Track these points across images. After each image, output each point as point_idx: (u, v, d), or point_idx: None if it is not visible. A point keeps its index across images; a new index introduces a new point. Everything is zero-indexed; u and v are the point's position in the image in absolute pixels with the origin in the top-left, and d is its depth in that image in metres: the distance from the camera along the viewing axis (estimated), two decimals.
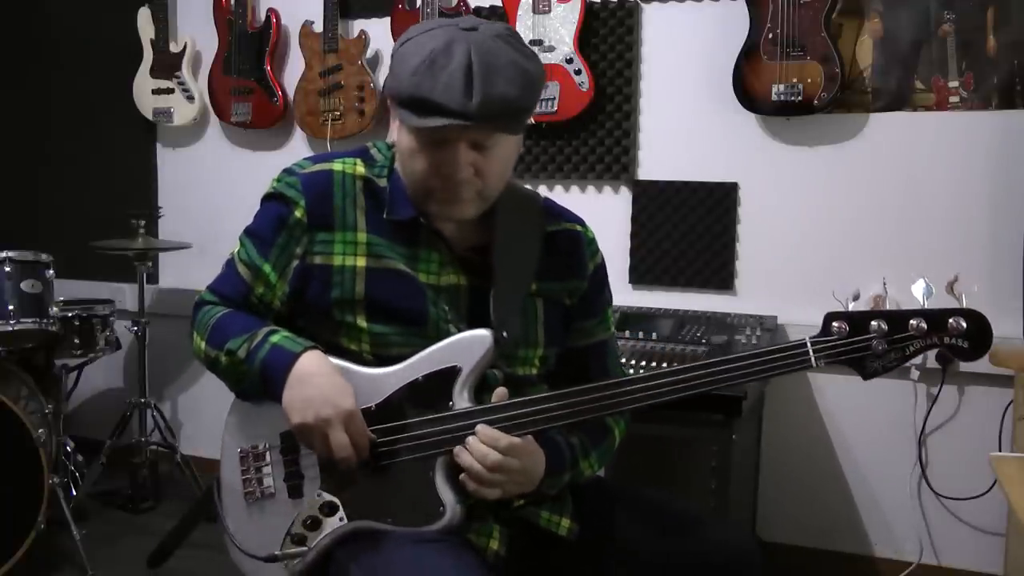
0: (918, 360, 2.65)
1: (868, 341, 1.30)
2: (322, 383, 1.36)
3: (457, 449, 1.35)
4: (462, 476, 1.35)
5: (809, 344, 1.31)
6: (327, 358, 1.40)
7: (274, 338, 1.42)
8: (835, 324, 1.31)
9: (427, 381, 1.40)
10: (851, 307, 1.32)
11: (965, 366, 2.63)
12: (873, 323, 1.30)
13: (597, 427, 1.55)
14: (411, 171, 1.40)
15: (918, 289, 1.30)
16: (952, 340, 1.29)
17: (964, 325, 1.28)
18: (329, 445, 1.36)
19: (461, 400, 1.39)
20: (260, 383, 1.42)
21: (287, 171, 1.49)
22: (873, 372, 1.31)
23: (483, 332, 1.40)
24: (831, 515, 2.86)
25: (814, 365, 1.31)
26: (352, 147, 1.54)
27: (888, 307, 1.32)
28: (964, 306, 1.29)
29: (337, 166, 1.47)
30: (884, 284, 1.34)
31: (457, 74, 1.28)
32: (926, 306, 1.30)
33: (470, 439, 1.34)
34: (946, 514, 2.74)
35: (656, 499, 1.55)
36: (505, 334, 1.40)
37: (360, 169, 1.47)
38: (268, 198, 1.49)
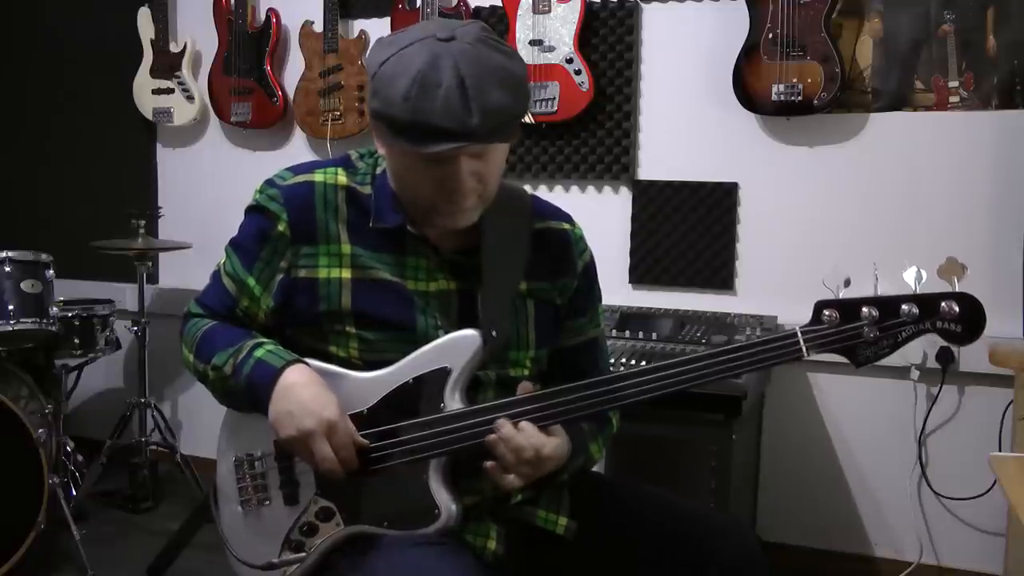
0: (918, 360, 2.66)
1: (859, 329, 1.28)
2: (304, 395, 1.36)
3: (491, 439, 1.33)
4: (488, 464, 1.33)
5: (800, 334, 1.30)
6: (312, 370, 1.40)
7: (258, 352, 1.41)
8: (826, 312, 1.29)
9: (417, 383, 1.39)
10: (842, 294, 1.29)
11: (965, 366, 2.64)
12: (864, 310, 1.27)
13: (598, 415, 1.54)
14: (412, 190, 1.39)
15: (909, 276, 1.27)
16: (945, 324, 1.26)
17: (957, 309, 1.25)
18: (314, 458, 1.36)
19: (452, 401, 1.38)
20: (248, 399, 1.42)
21: (268, 183, 1.47)
22: (865, 360, 1.29)
23: (471, 332, 1.39)
24: (831, 515, 2.86)
25: (805, 355, 1.30)
26: (336, 156, 1.53)
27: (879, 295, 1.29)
28: (956, 289, 1.26)
29: (318, 177, 1.46)
30: (875, 271, 1.31)
31: (452, 93, 1.26)
32: (918, 291, 1.27)
33: (507, 432, 1.32)
34: (946, 514, 2.74)
35: (657, 498, 1.54)
36: (494, 333, 1.40)
37: (342, 179, 1.46)
38: (250, 210, 1.49)
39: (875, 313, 1.27)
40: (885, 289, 1.29)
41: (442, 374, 1.38)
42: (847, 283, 1.30)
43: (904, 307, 1.26)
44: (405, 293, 1.43)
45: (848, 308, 1.28)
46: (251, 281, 1.47)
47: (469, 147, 1.30)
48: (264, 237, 1.45)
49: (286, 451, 1.43)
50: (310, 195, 1.45)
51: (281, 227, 1.44)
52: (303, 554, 1.42)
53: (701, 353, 1.34)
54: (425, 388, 1.39)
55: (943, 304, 1.26)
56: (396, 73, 1.29)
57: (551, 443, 1.36)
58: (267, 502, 1.47)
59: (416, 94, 1.27)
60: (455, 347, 1.39)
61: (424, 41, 1.30)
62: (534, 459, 1.33)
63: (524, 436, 1.33)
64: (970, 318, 1.25)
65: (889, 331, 1.27)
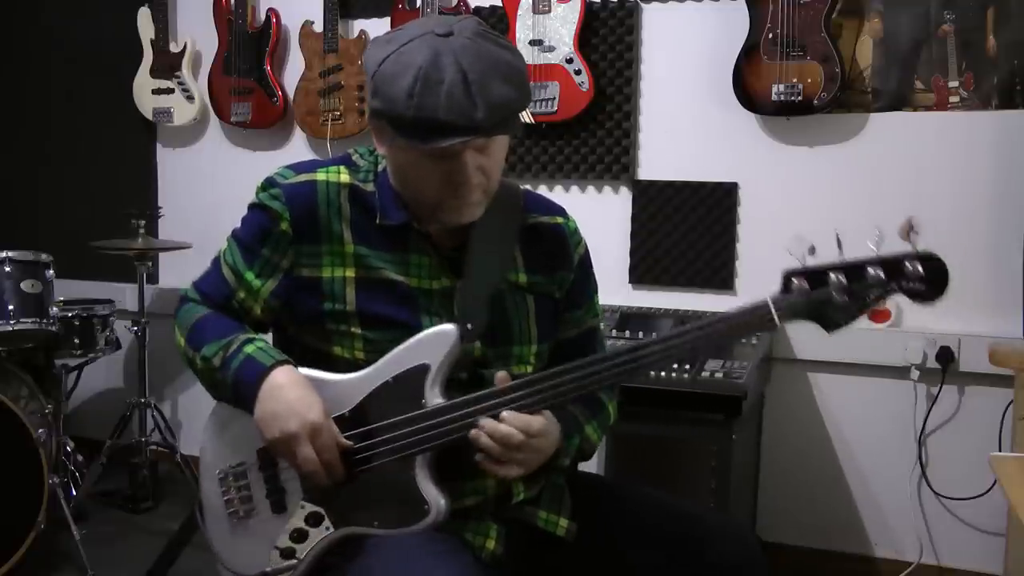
0: (918, 360, 2.66)
1: (828, 295, 1.30)
2: (290, 397, 1.36)
3: (473, 433, 1.33)
4: (479, 457, 1.33)
5: (770, 303, 1.32)
6: (298, 371, 1.40)
7: (248, 348, 1.41)
8: (794, 281, 1.32)
9: (397, 382, 1.39)
10: (808, 262, 1.32)
11: (965, 366, 2.64)
12: (831, 276, 1.30)
13: (590, 400, 1.55)
14: (417, 187, 1.39)
15: (871, 241, 1.30)
16: (910, 284, 1.29)
17: (920, 269, 1.28)
18: (296, 461, 1.36)
19: (433, 397, 1.38)
20: (233, 394, 1.42)
21: (269, 181, 1.47)
22: (836, 324, 1.31)
23: (447, 327, 1.39)
24: (831, 515, 2.86)
25: (777, 324, 1.32)
26: (335, 156, 1.53)
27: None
28: (918, 250, 1.29)
29: (321, 176, 1.46)
30: (838, 238, 1.32)
31: (456, 88, 1.26)
32: (881, 253, 1.30)
33: (487, 423, 1.33)
34: (946, 514, 2.74)
35: (657, 499, 1.54)
36: (470, 326, 1.39)
37: (344, 177, 1.46)
38: (252, 207, 1.48)
39: (842, 278, 1.30)
40: (848, 253, 1.32)
41: (421, 371, 1.38)
42: (812, 250, 1.32)
43: (870, 270, 1.30)
44: (409, 292, 1.44)
45: (816, 275, 1.31)
46: (250, 276, 1.46)
47: (474, 141, 1.30)
48: (266, 235, 1.45)
49: (270, 458, 1.44)
50: (312, 194, 1.44)
51: (283, 226, 1.44)
52: (295, 561, 1.41)
53: (677, 330, 1.36)
54: (405, 386, 1.38)
55: (907, 264, 1.29)
56: (397, 71, 1.29)
57: (537, 420, 1.35)
58: (254, 512, 1.46)
59: (419, 91, 1.27)
60: (432, 343, 1.39)
61: (423, 38, 1.31)
62: (524, 442, 1.33)
63: (507, 424, 1.33)
64: (933, 277, 1.28)
65: (857, 294, 1.30)
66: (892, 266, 1.29)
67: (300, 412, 1.34)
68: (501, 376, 1.38)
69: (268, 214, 1.45)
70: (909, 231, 1.29)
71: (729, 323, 1.34)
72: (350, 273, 1.43)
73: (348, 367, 1.42)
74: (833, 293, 1.30)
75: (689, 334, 1.34)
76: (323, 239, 1.44)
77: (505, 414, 1.33)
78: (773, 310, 1.31)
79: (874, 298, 1.30)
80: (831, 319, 1.31)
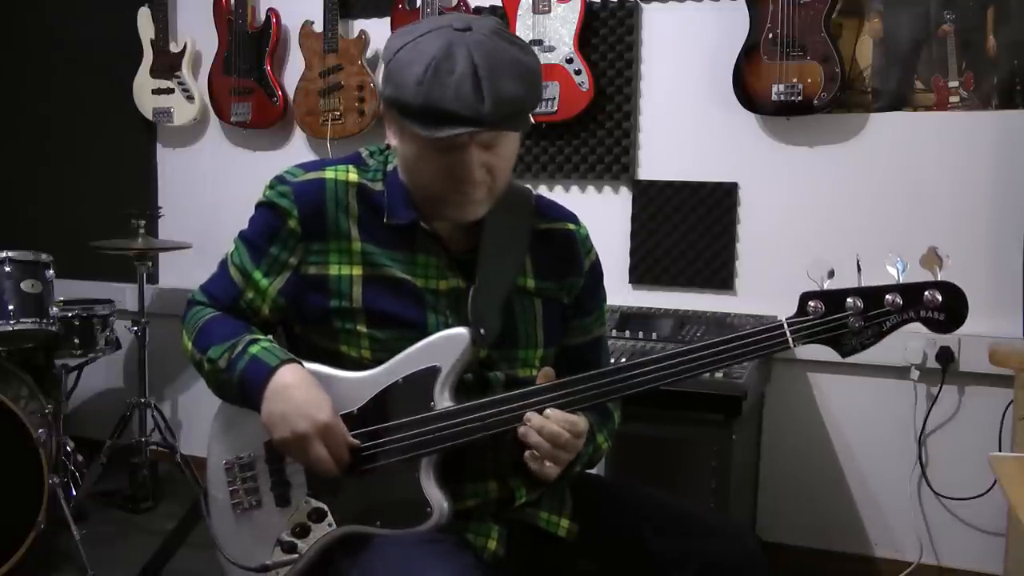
0: (918, 360, 2.66)
1: (844, 319, 1.30)
2: (297, 397, 1.36)
3: (523, 430, 1.34)
4: (527, 454, 1.34)
5: (786, 325, 1.32)
6: (304, 370, 1.40)
7: (253, 348, 1.41)
8: (811, 303, 1.32)
9: (407, 383, 1.39)
10: (826, 285, 1.32)
11: (965, 366, 2.64)
12: (849, 300, 1.30)
13: (599, 408, 1.55)
14: (421, 179, 1.39)
15: (892, 266, 1.29)
16: (928, 313, 1.28)
17: (939, 298, 1.27)
18: (308, 459, 1.36)
19: (442, 400, 1.38)
20: (239, 395, 1.42)
21: (279, 179, 1.48)
22: (851, 350, 1.32)
23: (460, 330, 1.39)
24: (831, 515, 2.86)
25: (791, 345, 1.32)
26: (345, 154, 1.54)
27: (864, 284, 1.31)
28: (938, 279, 1.28)
29: (329, 174, 1.46)
30: (858, 262, 1.32)
31: (465, 80, 1.27)
32: (901, 281, 1.29)
33: (535, 419, 1.33)
34: (946, 514, 2.74)
35: (657, 499, 1.54)
36: (483, 331, 1.40)
37: (353, 176, 1.47)
38: (260, 206, 1.49)
39: (859, 303, 1.30)
40: (868, 279, 1.31)
41: (431, 373, 1.38)
42: (831, 274, 1.32)
43: (888, 297, 1.29)
44: (416, 291, 1.44)
45: (833, 299, 1.31)
46: (258, 275, 1.47)
47: (479, 134, 1.31)
48: (274, 233, 1.45)
49: (277, 452, 1.44)
50: (321, 192, 1.45)
51: (292, 223, 1.44)
52: (296, 555, 1.42)
53: (696, 344, 1.36)
54: (415, 387, 1.39)
55: (926, 293, 1.28)
56: (410, 60, 1.30)
57: (582, 419, 1.37)
58: (258, 504, 1.47)
59: (429, 79, 1.28)
60: (444, 345, 1.39)
61: (440, 30, 1.32)
62: (571, 440, 1.34)
63: (554, 421, 1.33)
64: (952, 307, 1.28)
65: (874, 320, 1.30)
66: (910, 293, 1.28)
67: (309, 412, 1.35)
68: (546, 373, 1.39)
69: (276, 211, 1.45)
70: (932, 260, 1.28)
71: (743, 343, 1.34)
72: (357, 271, 1.43)
73: (355, 366, 1.43)
74: (850, 318, 1.30)
75: (702, 353, 1.34)
76: (330, 236, 1.44)
77: (550, 411, 1.34)
78: (788, 333, 1.32)
79: (891, 325, 1.30)
80: (847, 344, 1.32)
